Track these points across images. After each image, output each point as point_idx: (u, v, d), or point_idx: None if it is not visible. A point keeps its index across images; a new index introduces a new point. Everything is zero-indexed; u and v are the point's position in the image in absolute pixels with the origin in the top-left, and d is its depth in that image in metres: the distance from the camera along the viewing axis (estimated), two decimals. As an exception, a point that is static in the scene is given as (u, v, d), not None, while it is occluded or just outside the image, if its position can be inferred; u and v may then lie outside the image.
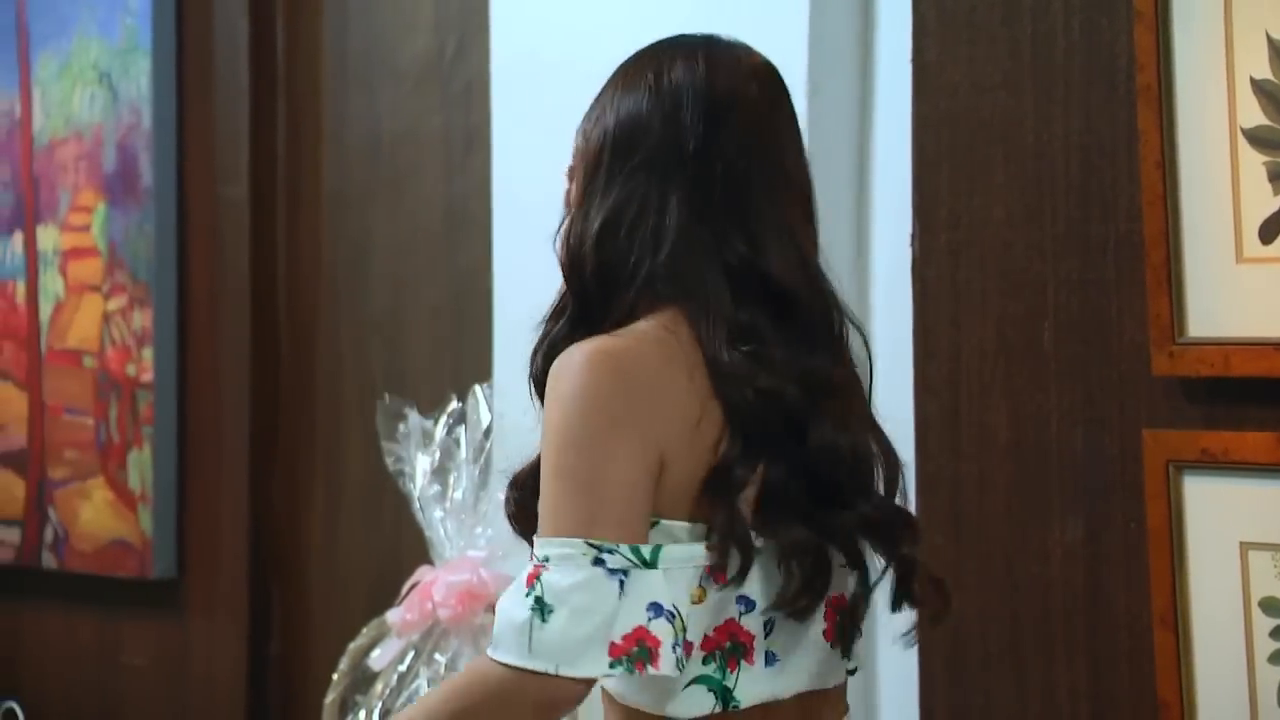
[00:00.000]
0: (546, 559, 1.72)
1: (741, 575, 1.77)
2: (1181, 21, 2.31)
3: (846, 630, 1.86)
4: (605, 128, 1.87)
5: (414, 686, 2.96)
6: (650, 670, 1.70)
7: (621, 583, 1.70)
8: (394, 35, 3.53)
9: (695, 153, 1.83)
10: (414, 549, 3.12)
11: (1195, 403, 2.35)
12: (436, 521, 3.01)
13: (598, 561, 1.71)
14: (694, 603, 1.75)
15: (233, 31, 3.70)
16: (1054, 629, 2.48)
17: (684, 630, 1.74)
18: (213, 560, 3.75)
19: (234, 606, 3.70)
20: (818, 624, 1.84)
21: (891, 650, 2.57)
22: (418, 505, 3.01)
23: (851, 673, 1.91)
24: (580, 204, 1.88)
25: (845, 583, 1.87)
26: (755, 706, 1.81)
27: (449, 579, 2.95)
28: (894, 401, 2.58)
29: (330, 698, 3.05)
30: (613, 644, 1.69)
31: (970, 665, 2.55)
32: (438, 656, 2.96)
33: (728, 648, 1.79)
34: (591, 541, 1.71)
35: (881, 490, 1.87)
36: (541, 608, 1.70)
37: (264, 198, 3.69)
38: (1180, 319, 2.33)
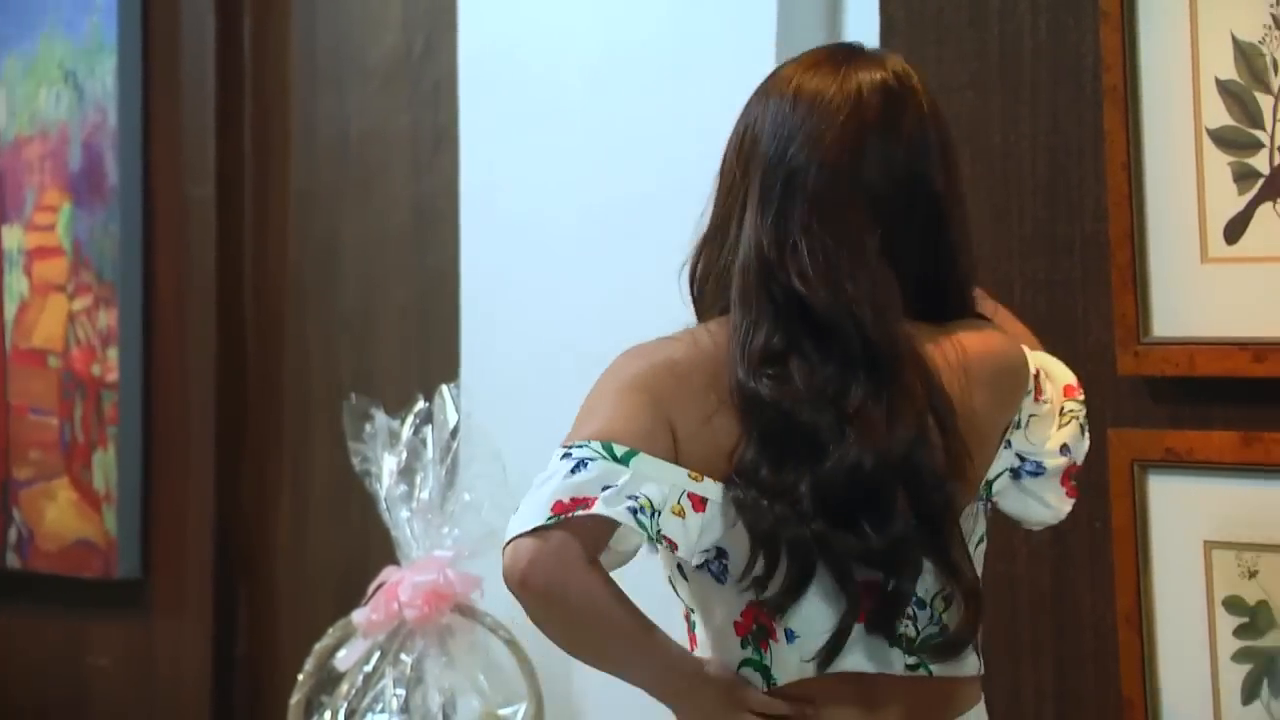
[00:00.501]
0: None
1: (768, 569, 1.81)
2: (1147, 22, 2.33)
3: (878, 624, 1.84)
4: (729, 144, 1.94)
5: (379, 687, 2.95)
6: (582, 512, 1.75)
7: (580, 465, 1.78)
8: (362, 34, 3.52)
9: (766, 170, 1.87)
10: (380, 549, 3.12)
11: (1160, 402, 2.36)
12: (403, 521, 3.00)
13: (565, 456, 1.79)
14: (674, 513, 1.79)
15: (199, 29, 3.69)
16: (1020, 628, 2.48)
17: (654, 513, 1.77)
18: (178, 560, 3.73)
19: (199, 607, 3.68)
20: (830, 602, 1.83)
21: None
22: (384, 505, 3.01)
23: (915, 667, 1.86)
24: (710, 218, 1.95)
25: (880, 579, 1.85)
26: (794, 683, 1.84)
27: (415, 579, 2.95)
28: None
29: (296, 698, 3.04)
30: (558, 502, 1.76)
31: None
32: (404, 657, 2.95)
33: (755, 630, 1.85)
34: (566, 443, 1.81)
35: (930, 508, 1.84)
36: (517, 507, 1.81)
37: (230, 197, 3.67)
38: (1145, 319, 2.34)
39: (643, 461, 1.78)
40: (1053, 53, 2.45)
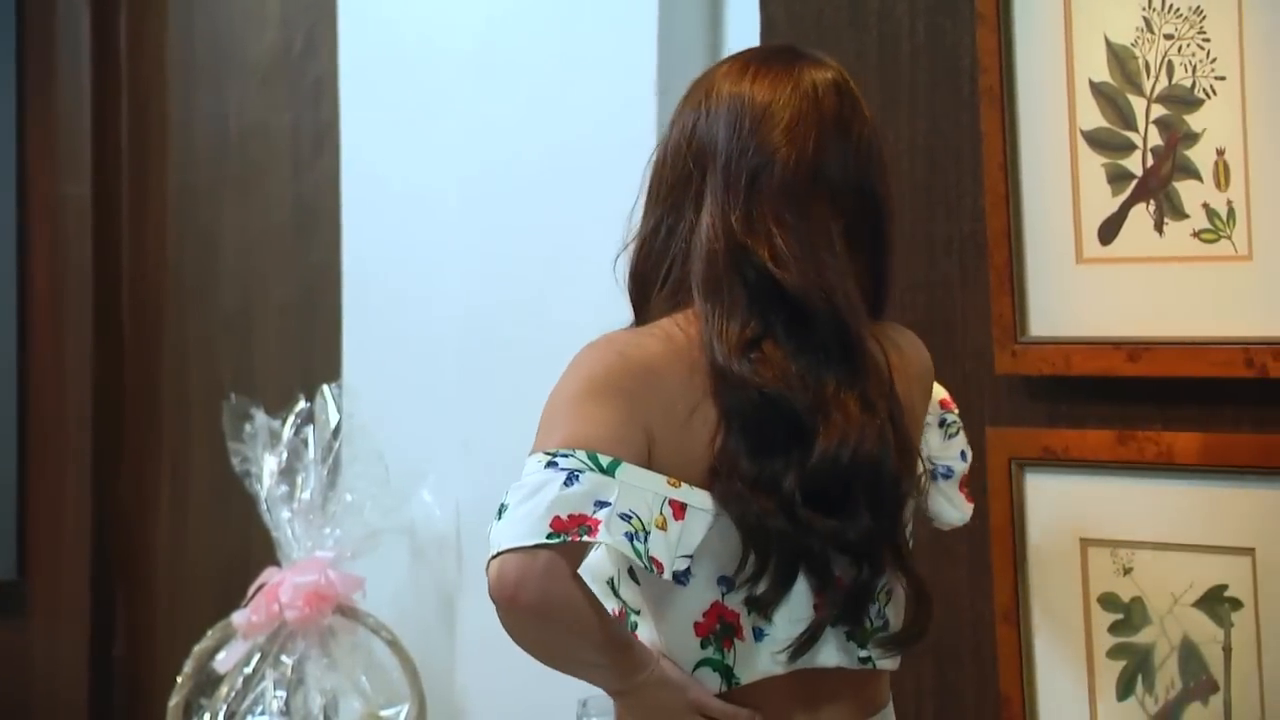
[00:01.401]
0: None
1: (759, 564, 1.81)
2: (1023, 25, 2.35)
3: (848, 614, 1.86)
4: (662, 145, 1.94)
5: (260, 689, 2.93)
6: (588, 539, 1.74)
7: (572, 477, 1.75)
8: (241, 30, 3.49)
9: (724, 166, 1.88)
10: (261, 550, 3.09)
11: (1037, 401, 2.38)
12: (284, 522, 2.98)
13: (550, 464, 1.76)
14: (657, 526, 1.79)
15: (74, 24, 3.64)
16: (899, 625, 2.50)
17: (645, 535, 1.77)
18: (54, 561, 3.69)
19: (77, 608, 3.64)
20: (802, 600, 1.85)
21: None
22: (265, 506, 2.99)
23: (866, 661, 1.88)
24: (641, 219, 1.95)
25: (849, 570, 1.87)
26: (756, 683, 1.85)
27: (296, 580, 2.93)
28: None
29: (175, 700, 3.01)
30: (556, 518, 1.74)
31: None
32: (284, 658, 2.93)
33: (719, 630, 1.84)
34: (548, 450, 1.78)
35: (887, 506, 1.86)
36: (500, 512, 1.77)
37: (107, 194, 3.63)
38: (1022, 319, 2.37)
39: (627, 471, 1.77)
40: (931, 54, 2.47)
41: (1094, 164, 2.31)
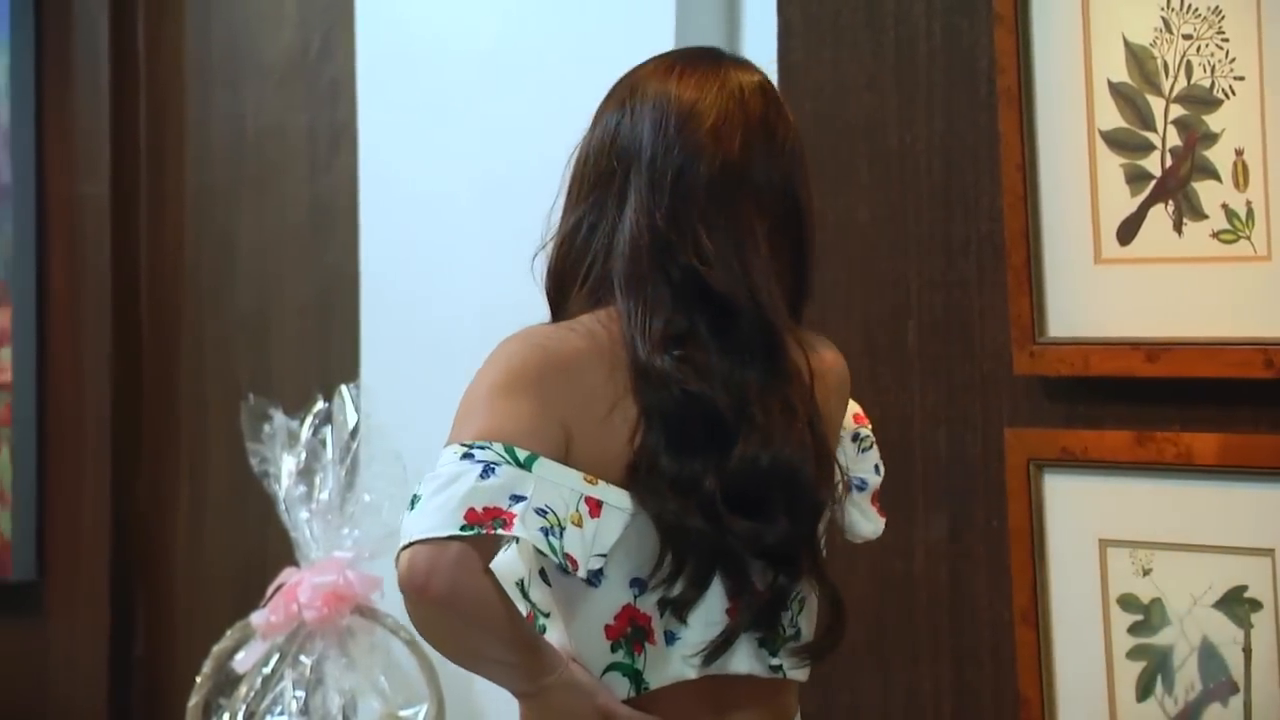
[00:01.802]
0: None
1: (676, 564, 1.80)
2: (1041, 25, 2.34)
3: (763, 620, 1.85)
4: (584, 143, 1.93)
5: (278, 689, 2.93)
6: (502, 532, 1.72)
7: (488, 470, 1.74)
8: (258, 31, 3.49)
9: (649, 163, 1.86)
10: (279, 550, 3.10)
11: (1055, 402, 2.38)
12: (302, 523, 2.99)
13: (466, 456, 1.75)
14: (573, 523, 1.77)
15: (92, 25, 3.65)
16: (918, 626, 2.50)
17: (560, 531, 1.75)
18: (74, 562, 3.69)
19: (96, 609, 3.65)
20: (716, 604, 1.83)
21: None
22: (283, 506, 2.99)
23: (777, 669, 1.87)
24: (561, 217, 1.93)
25: (765, 575, 1.86)
26: (665, 688, 1.83)
27: (314, 580, 2.93)
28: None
29: (194, 700, 3.02)
30: (470, 510, 1.72)
31: (835, 663, 2.55)
32: (303, 659, 2.94)
33: (630, 633, 1.82)
34: (464, 442, 1.76)
35: (804, 512, 1.85)
36: (413, 502, 1.75)
37: (125, 195, 3.64)
38: (1040, 319, 2.36)
39: (544, 466, 1.76)
40: (948, 55, 2.47)
41: (1112, 164, 2.31)
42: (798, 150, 1.92)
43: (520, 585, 1.86)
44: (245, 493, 3.26)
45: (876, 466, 2.07)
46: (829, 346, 1.97)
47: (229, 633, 3.02)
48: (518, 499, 1.74)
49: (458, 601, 1.72)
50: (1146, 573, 2.30)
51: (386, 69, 3.19)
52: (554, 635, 1.85)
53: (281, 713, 2.93)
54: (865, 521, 2.05)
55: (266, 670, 2.96)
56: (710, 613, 1.83)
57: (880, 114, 2.52)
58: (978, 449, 2.45)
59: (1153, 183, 2.29)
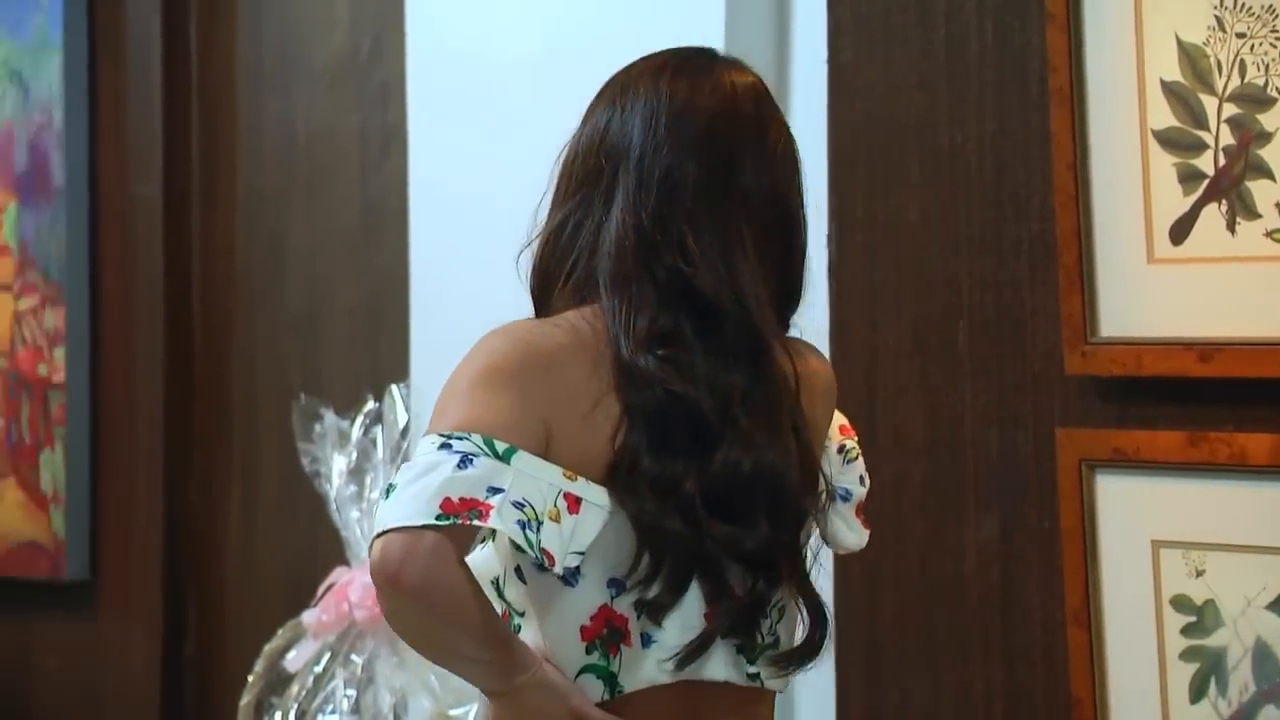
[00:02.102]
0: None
1: (653, 566, 1.78)
2: (1093, 24, 2.34)
3: (741, 626, 1.82)
4: (574, 141, 1.91)
5: (330, 688, 2.94)
6: (478, 523, 1.70)
7: (465, 460, 1.72)
8: (309, 34, 3.51)
9: (638, 162, 1.85)
10: (330, 549, 3.11)
11: (1108, 402, 2.37)
12: (353, 522, 3.00)
13: (444, 446, 1.72)
14: (550, 518, 1.75)
15: (145, 28, 3.67)
16: (969, 627, 2.49)
17: (538, 525, 1.73)
18: (126, 561, 3.72)
19: (148, 608, 3.67)
20: (694, 607, 1.81)
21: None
22: (334, 506, 3.00)
23: (754, 678, 1.85)
24: (548, 214, 1.92)
25: (744, 580, 1.83)
26: (640, 691, 1.80)
27: (365, 579, 2.94)
28: (810, 401, 2.59)
29: (245, 699, 3.03)
30: (446, 499, 1.70)
31: (886, 663, 2.56)
32: (354, 658, 2.95)
33: (606, 635, 1.80)
34: (442, 432, 1.74)
35: (786, 519, 1.83)
36: (388, 491, 1.73)
37: (178, 196, 3.66)
38: (1092, 319, 2.36)
39: (523, 460, 1.73)
40: (999, 54, 2.46)
41: (1165, 163, 2.30)
42: (790, 153, 1.90)
43: (496, 583, 1.84)
44: (296, 492, 3.28)
45: (862, 478, 2.03)
46: (816, 354, 1.95)
47: (280, 632, 3.04)
48: (495, 491, 1.71)
49: (430, 592, 1.69)
50: (1199, 574, 2.29)
51: (436, 72, 3.20)
52: (528, 636, 1.82)
53: (333, 711, 2.94)
54: (849, 532, 2.01)
55: (318, 669, 2.97)
56: (687, 617, 1.80)
57: (931, 113, 2.52)
58: (1029, 449, 2.44)
59: (1206, 182, 2.28)
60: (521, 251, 1.92)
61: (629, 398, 1.79)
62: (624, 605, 1.80)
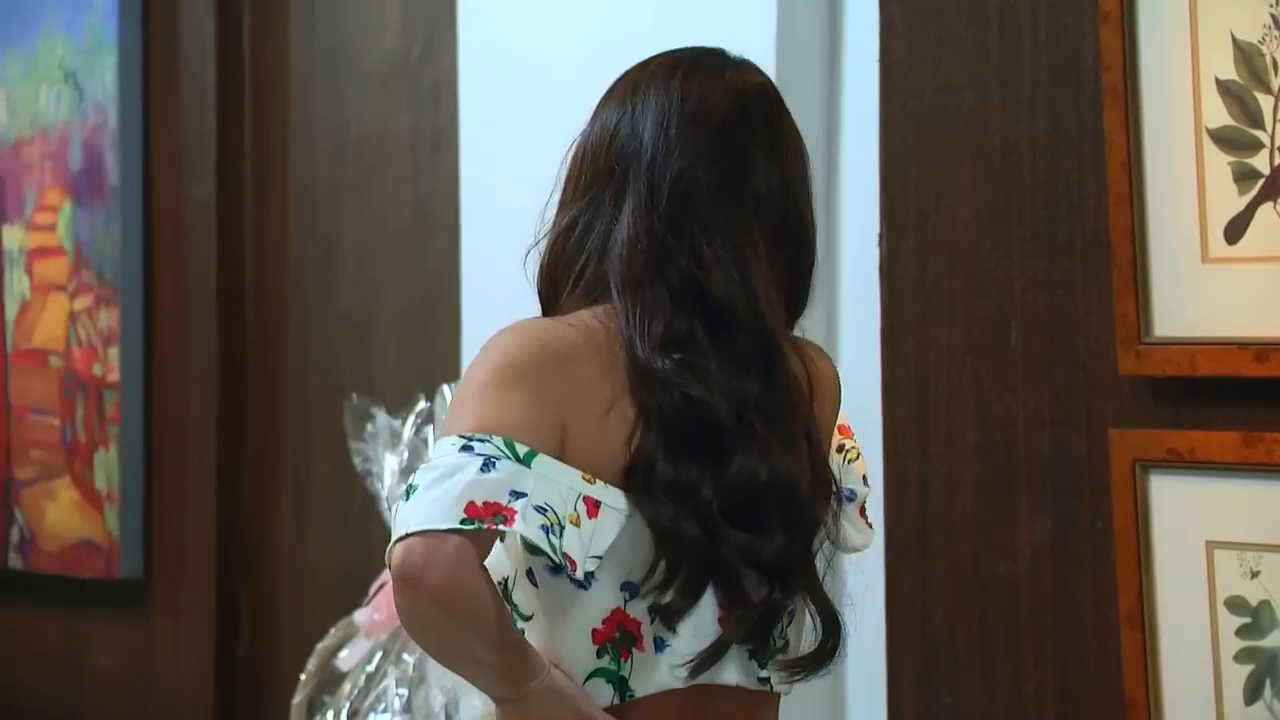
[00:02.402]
0: (426, 461, 1.73)
1: (669, 571, 1.76)
2: (1147, 22, 2.32)
3: (756, 633, 1.81)
4: (583, 140, 1.90)
5: (382, 686, 2.95)
6: (503, 528, 1.68)
7: (489, 464, 1.69)
8: (361, 35, 3.53)
9: (649, 164, 1.83)
10: (381, 549, 3.07)
11: (1161, 402, 2.35)
12: (404, 522, 3.00)
13: (465, 449, 1.70)
14: (570, 522, 1.74)
15: (199, 30, 3.69)
16: (1021, 628, 2.49)
17: (560, 530, 1.71)
18: (180, 560, 3.74)
19: (201, 607, 3.69)
20: (708, 613, 1.80)
21: (858, 649, 2.58)
22: (386, 505, 3.01)
23: (764, 681, 1.84)
24: (556, 213, 1.90)
25: (759, 588, 1.82)
26: (651, 696, 1.79)
27: (417, 579, 2.95)
28: (862, 402, 2.58)
29: (298, 698, 3.05)
30: (470, 504, 1.67)
31: (938, 665, 2.56)
32: (405, 656, 2.96)
33: (618, 638, 1.78)
34: (462, 434, 1.71)
35: (801, 527, 1.83)
36: (408, 493, 1.71)
37: (231, 197, 3.68)
38: (1146, 319, 2.34)
39: (543, 463, 1.72)
40: (1052, 52, 2.45)
41: (1220, 162, 2.28)
42: (800, 155, 1.89)
43: (504, 585, 1.82)
44: (348, 492, 3.29)
45: (864, 478, 2.02)
46: (822, 355, 1.94)
47: (332, 631, 3.05)
48: (517, 495, 1.69)
49: (453, 597, 1.68)
50: (1255, 575, 2.27)
51: (488, 72, 3.20)
52: (533, 640, 1.81)
53: (385, 710, 2.95)
54: (855, 533, 1.99)
55: (370, 668, 2.98)
56: (701, 622, 1.79)
57: (983, 112, 2.51)
58: (1082, 450, 2.43)
59: (1261, 181, 2.26)
60: (529, 251, 1.91)
61: (645, 400, 1.77)
62: (638, 609, 1.78)
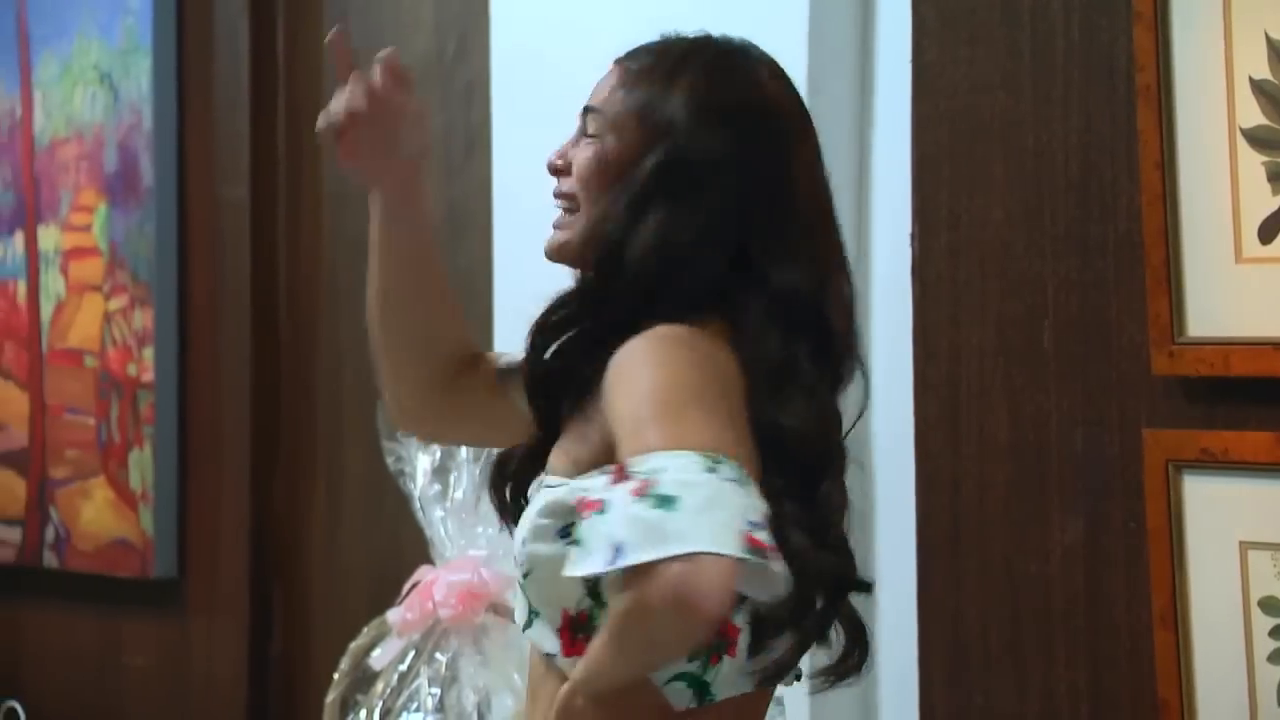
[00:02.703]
0: (655, 470, 1.58)
1: (800, 598, 1.74)
2: (1181, 22, 2.32)
3: (818, 643, 1.82)
4: (678, 144, 1.85)
5: (414, 686, 2.96)
6: (767, 562, 1.57)
7: (743, 488, 1.60)
8: (394, 35, 3.53)
9: (751, 186, 1.83)
10: (414, 548, 3.13)
11: (1195, 402, 2.35)
12: (437, 521, 3.01)
13: (711, 470, 1.59)
14: None
15: (233, 31, 3.71)
16: (1054, 629, 2.48)
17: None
18: (213, 560, 3.75)
19: (235, 606, 3.70)
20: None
21: (891, 649, 2.58)
22: (418, 504, 3.02)
23: (797, 677, 1.86)
24: (622, 204, 1.87)
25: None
26: (728, 700, 1.79)
27: (449, 578, 2.96)
28: (894, 402, 2.59)
29: (331, 697, 3.06)
30: (751, 537, 1.56)
31: (970, 665, 2.55)
32: (438, 656, 2.97)
33: (714, 643, 1.76)
34: (704, 453, 1.60)
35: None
36: (665, 502, 1.55)
37: (264, 198, 3.69)
38: (1180, 319, 2.34)
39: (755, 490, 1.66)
40: (1085, 53, 2.45)
41: (1254, 162, 2.28)
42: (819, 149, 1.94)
43: (596, 581, 1.74)
44: (381, 491, 3.30)
45: None
46: None
47: (365, 630, 3.06)
48: (757, 526, 1.59)
49: (712, 628, 1.60)
50: (1289, 576, 2.27)
51: (520, 73, 3.21)
52: (538, 634, 1.84)
53: (417, 709, 2.96)
54: None
55: (403, 667, 2.98)
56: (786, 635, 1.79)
57: (1016, 112, 2.51)
58: (1115, 450, 2.42)
59: (1295, 180, 2.26)
60: (601, 256, 1.90)
61: (762, 429, 1.74)
62: (739, 618, 1.76)
